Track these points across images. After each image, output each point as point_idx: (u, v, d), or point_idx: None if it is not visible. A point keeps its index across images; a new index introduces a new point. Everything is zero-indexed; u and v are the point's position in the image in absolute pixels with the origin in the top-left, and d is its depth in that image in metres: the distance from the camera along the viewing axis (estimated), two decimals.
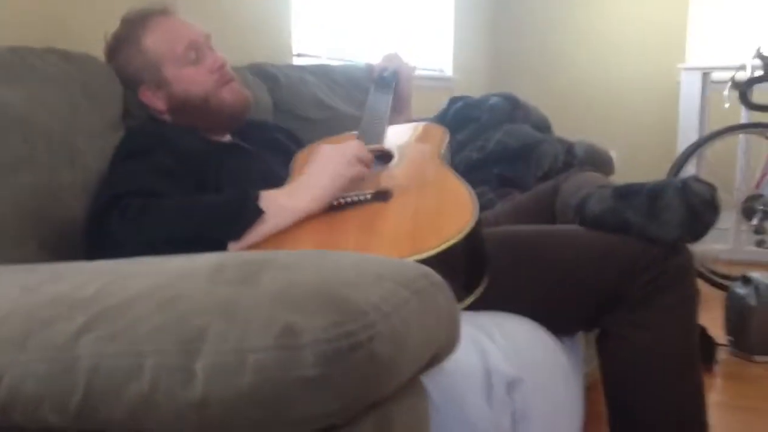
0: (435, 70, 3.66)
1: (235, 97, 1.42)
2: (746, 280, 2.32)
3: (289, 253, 0.74)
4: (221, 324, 0.59)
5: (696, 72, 3.55)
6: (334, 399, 0.58)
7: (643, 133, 3.96)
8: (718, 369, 2.25)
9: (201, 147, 1.31)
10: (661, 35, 3.94)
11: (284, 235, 1.07)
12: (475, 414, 0.86)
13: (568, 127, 2.45)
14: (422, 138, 1.48)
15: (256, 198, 1.07)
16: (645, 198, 1.20)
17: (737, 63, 3.10)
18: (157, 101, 1.38)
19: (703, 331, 2.23)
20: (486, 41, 4.20)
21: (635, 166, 2.96)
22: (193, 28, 1.41)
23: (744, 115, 3.25)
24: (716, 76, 3.48)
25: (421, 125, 1.59)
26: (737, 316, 2.32)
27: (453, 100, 2.23)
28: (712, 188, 1.21)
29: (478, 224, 1.07)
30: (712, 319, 2.38)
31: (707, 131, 3.27)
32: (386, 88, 1.65)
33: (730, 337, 2.35)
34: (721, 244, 3.30)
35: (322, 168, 1.15)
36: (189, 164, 1.24)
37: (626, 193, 1.23)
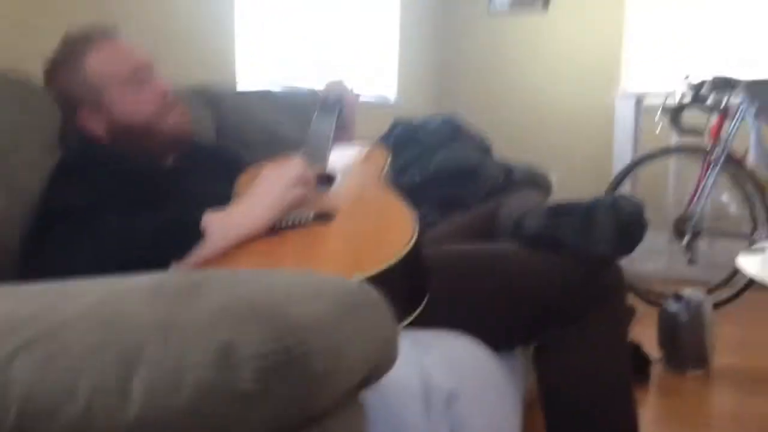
0: (378, 95, 3.70)
1: (177, 123, 1.40)
2: (677, 298, 2.40)
3: (226, 272, 0.75)
4: (159, 342, 0.60)
5: (630, 98, 3.68)
6: (272, 414, 0.59)
7: (580, 156, 4.08)
8: (652, 384, 2.32)
9: (141, 170, 1.30)
10: (597, 62, 4.08)
11: (225, 255, 1.07)
12: (413, 428, 0.87)
13: (507, 150, 2.51)
14: (364, 160, 1.50)
15: (199, 219, 1.08)
16: (577, 216, 1.24)
17: (668, 90, 3.23)
18: (95, 125, 1.36)
19: (637, 348, 2.30)
20: (429, 66, 4.27)
21: (573, 187, 3.03)
22: (137, 52, 1.40)
23: (675, 139, 3.38)
24: (649, 101, 3.62)
25: (364, 148, 1.61)
26: (669, 332, 2.40)
27: (395, 124, 2.27)
28: (639, 205, 1.26)
29: (419, 244, 1.09)
30: (647, 336, 2.46)
31: (640, 154, 3.38)
32: (330, 113, 1.67)
33: (662, 353, 2.43)
34: (655, 263, 3.41)
35: (265, 189, 1.16)
36: (128, 187, 1.22)
37: (560, 211, 1.27)
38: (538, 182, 2.42)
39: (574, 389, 1.24)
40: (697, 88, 3.07)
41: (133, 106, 1.36)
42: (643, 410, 2.09)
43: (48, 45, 1.41)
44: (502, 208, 1.54)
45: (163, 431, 0.58)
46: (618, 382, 1.26)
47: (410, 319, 1.07)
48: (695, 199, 3.18)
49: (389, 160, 1.49)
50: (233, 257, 1.07)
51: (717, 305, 2.89)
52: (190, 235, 1.05)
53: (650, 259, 3.30)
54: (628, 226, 1.23)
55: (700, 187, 3.17)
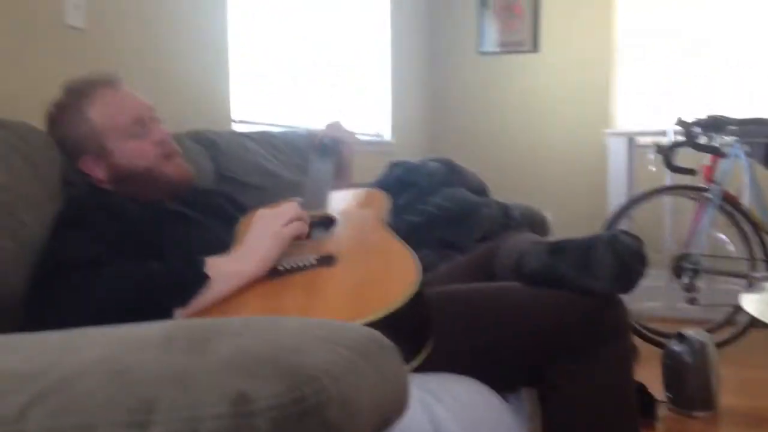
0: (374, 135, 3.73)
1: (177, 171, 1.43)
2: (681, 338, 2.39)
3: (238, 320, 0.74)
4: (173, 393, 0.59)
5: (622, 137, 3.72)
6: None
7: (575, 196, 4.10)
8: (659, 425, 2.29)
9: (143, 215, 1.30)
10: (589, 102, 4.13)
11: (230, 300, 1.07)
12: None
13: (501, 191, 2.52)
14: (365, 203, 1.50)
15: (202, 264, 1.07)
16: (578, 252, 1.24)
17: (660, 129, 3.27)
18: (98, 171, 1.37)
19: (643, 388, 2.28)
20: (422, 106, 4.32)
21: (568, 227, 3.04)
22: (138, 101, 1.42)
23: (669, 178, 3.41)
24: (641, 140, 3.65)
25: (363, 191, 1.62)
26: (674, 373, 2.38)
27: (392, 166, 2.28)
28: (639, 241, 1.27)
29: (422, 287, 1.09)
30: (650, 376, 2.44)
31: (635, 193, 3.40)
32: (328, 156, 1.68)
33: (668, 394, 2.41)
34: (655, 301, 3.40)
35: (261, 231, 1.17)
36: (131, 232, 1.23)
37: (560, 248, 1.27)
38: (535, 222, 2.43)
39: (579, 427, 1.23)
40: (690, 127, 3.10)
41: (134, 153, 1.37)
42: None
43: (48, 90, 1.42)
44: (501, 248, 1.54)
45: None
46: (625, 422, 1.25)
47: (417, 362, 1.06)
48: (692, 238, 3.18)
49: (389, 203, 1.49)
50: (238, 301, 1.07)
51: (719, 345, 2.88)
52: (194, 282, 1.05)
53: (649, 298, 3.30)
54: (628, 261, 1.23)
55: (697, 226, 3.18)
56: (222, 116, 2.48)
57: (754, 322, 3.06)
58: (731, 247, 3.24)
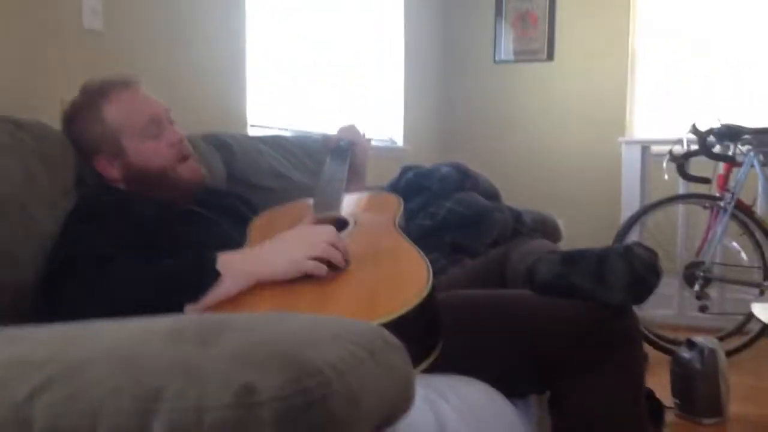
0: (386, 141, 3.74)
1: (191, 174, 1.44)
2: (691, 345, 2.38)
3: (246, 315, 0.75)
4: (179, 383, 0.60)
5: (636, 145, 3.71)
6: None
7: (589, 203, 4.09)
8: None
9: (155, 213, 1.31)
10: (603, 110, 4.12)
11: (241, 298, 1.07)
12: None
13: (515, 197, 2.52)
14: (377, 206, 1.51)
15: (214, 260, 1.08)
16: (591, 263, 1.24)
17: (674, 137, 3.26)
18: (113, 170, 1.39)
19: (651, 395, 2.27)
20: (435, 113, 4.32)
21: (581, 234, 3.04)
22: (154, 103, 1.43)
23: (682, 186, 3.39)
24: (655, 149, 3.64)
25: (376, 194, 1.62)
26: (683, 380, 2.37)
27: (404, 170, 2.29)
28: (653, 253, 1.26)
29: (434, 291, 1.09)
30: (659, 382, 2.42)
31: (648, 201, 3.39)
32: (342, 158, 1.69)
33: (676, 401, 2.39)
34: (666, 309, 3.38)
35: (286, 248, 1.12)
36: (143, 229, 1.24)
37: (573, 258, 1.27)
38: (547, 228, 2.43)
39: None
40: (704, 136, 3.09)
41: (149, 154, 1.39)
42: None
43: (65, 93, 1.44)
44: (513, 254, 1.54)
45: None
46: (634, 429, 1.24)
47: (425, 365, 1.07)
48: (705, 246, 3.17)
49: (402, 207, 1.49)
50: (248, 299, 1.07)
51: (729, 353, 2.86)
52: (205, 277, 1.05)
53: (660, 305, 3.28)
54: (641, 273, 1.22)
55: (710, 234, 3.16)
56: (238, 120, 2.50)
57: (765, 331, 3.04)
58: (744, 256, 3.21)
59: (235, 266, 1.09)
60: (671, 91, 4.04)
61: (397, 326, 0.96)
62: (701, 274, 3.07)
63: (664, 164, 3.16)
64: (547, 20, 4.19)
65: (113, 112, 1.38)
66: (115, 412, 0.59)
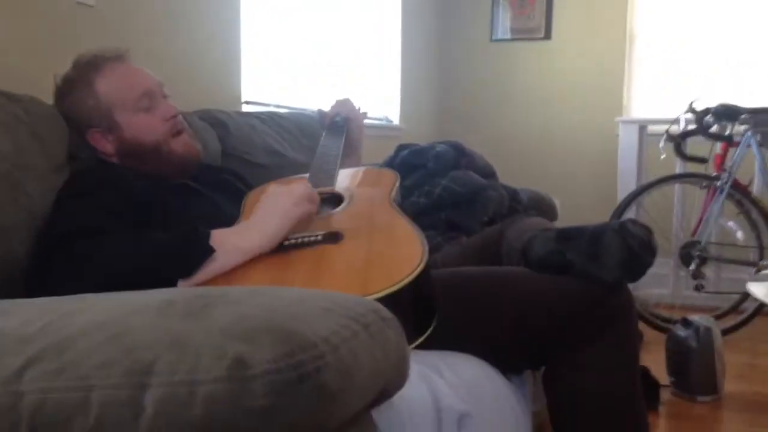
0: (382, 119, 3.72)
1: (184, 148, 1.43)
2: (686, 323, 2.39)
3: (238, 289, 0.74)
4: (171, 356, 0.59)
5: (633, 125, 3.69)
6: (283, 430, 0.58)
7: (585, 183, 4.09)
8: (662, 409, 2.29)
9: (149, 188, 1.30)
10: (600, 89, 4.10)
11: (234, 273, 1.07)
12: None
13: (510, 176, 2.51)
14: (373, 182, 1.50)
15: (207, 236, 1.07)
16: (586, 240, 1.23)
17: (671, 117, 3.25)
18: (106, 144, 1.38)
19: (646, 373, 2.28)
20: (432, 91, 4.30)
21: (577, 213, 3.04)
22: (147, 76, 1.42)
23: (679, 166, 3.39)
24: (652, 128, 3.63)
25: (372, 169, 1.61)
26: (678, 358, 2.38)
27: (400, 148, 2.28)
28: (648, 230, 1.26)
29: (428, 267, 1.08)
30: (654, 360, 2.44)
31: (645, 181, 3.39)
32: (338, 133, 1.68)
33: (672, 379, 2.41)
34: (661, 288, 3.40)
35: (271, 207, 1.16)
36: (136, 204, 1.23)
37: (568, 235, 1.26)
38: (542, 206, 2.43)
39: (584, 412, 1.22)
40: (701, 115, 3.08)
41: (143, 127, 1.37)
42: None
43: (57, 67, 1.42)
44: (508, 231, 1.54)
45: None
46: (629, 406, 1.24)
47: (419, 341, 1.06)
48: (701, 225, 3.17)
49: (398, 182, 1.48)
50: (242, 274, 1.07)
51: (725, 332, 2.88)
52: (198, 252, 1.05)
53: (656, 285, 3.29)
54: (636, 251, 1.22)
55: (706, 213, 3.16)
56: (232, 97, 2.48)
57: (760, 310, 3.06)
58: (740, 235, 3.22)
59: (229, 242, 1.09)
60: (669, 70, 4.02)
61: (391, 302, 0.95)
62: (697, 253, 3.08)
63: (661, 144, 3.16)
64: None
65: (106, 86, 1.37)
66: (106, 386, 0.58)
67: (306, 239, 1.16)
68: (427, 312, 1.10)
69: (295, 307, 0.68)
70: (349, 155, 1.72)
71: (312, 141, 2.11)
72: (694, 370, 2.34)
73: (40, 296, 0.86)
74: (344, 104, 1.77)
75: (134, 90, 1.37)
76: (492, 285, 1.28)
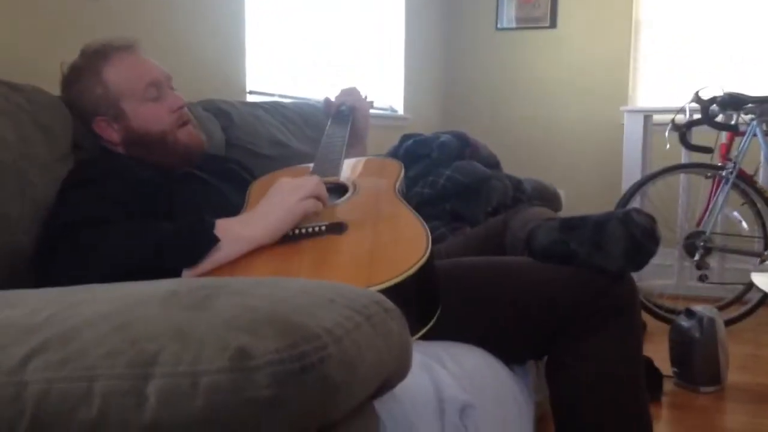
0: (387, 109, 3.71)
1: (190, 139, 1.43)
2: (690, 313, 2.38)
3: (242, 280, 0.74)
4: (174, 347, 0.59)
5: (638, 114, 3.68)
6: (286, 420, 0.58)
7: (590, 172, 4.08)
8: (665, 400, 2.29)
9: (154, 177, 1.31)
10: (606, 79, 4.08)
11: (238, 263, 1.07)
12: None
13: (515, 166, 2.51)
14: (378, 172, 1.50)
15: (212, 226, 1.08)
16: (590, 229, 1.23)
17: (677, 106, 3.23)
18: (112, 133, 1.38)
19: (650, 363, 2.28)
20: (436, 81, 4.29)
21: (582, 203, 3.04)
22: (155, 67, 1.42)
23: (684, 156, 3.38)
24: (657, 118, 3.62)
25: (377, 159, 1.61)
26: (682, 349, 2.38)
27: (404, 138, 2.27)
28: (652, 219, 1.25)
29: (432, 258, 1.08)
30: (657, 351, 2.44)
31: (650, 170, 3.37)
32: (343, 122, 1.67)
33: (674, 369, 2.41)
34: (665, 279, 3.39)
35: (278, 200, 1.16)
36: (141, 194, 1.23)
37: (572, 225, 1.26)
38: (547, 196, 2.42)
39: (586, 403, 1.22)
40: (707, 105, 3.06)
41: (149, 117, 1.37)
42: (656, 425, 2.05)
43: (63, 58, 1.42)
44: (512, 222, 1.54)
45: None
46: (632, 396, 1.24)
47: (423, 332, 1.07)
48: (706, 216, 3.16)
49: (403, 172, 1.48)
50: (246, 264, 1.07)
51: (728, 323, 2.87)
52: (204, 242, 1.05)
53: (660, 275, 3.28)
54: (640, 240, 1.22)
55: (711, 204, 3.16)
56: (236, 87, 2.47)
57: (764, 301, 3.05)
58: (744, 226, 3.21)
59: (234, 231, 1.09)
60: (674, 59, 4.00)
61: (394, 292, 0.96)
62: (702, 243, 3.07)
63: (666, 133, 3.14)
64: None
65: (114, 75, 1.37)
66: (110, 376, 0.59)
67: (310, 230, 1.16)
68: (430, 303, 1.10)
69: (298, 299, 0.68)
70: (355, 145, 1.72)
71: (317, 131, 2.11)
72: (697, 360, 2.34)
73: (45, 286, 0.86)
74: (350, 93, 1.76)
75: (142, 80, 1.38)
76: (495, 275, 1.28)
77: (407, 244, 1.10)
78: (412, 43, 3.86)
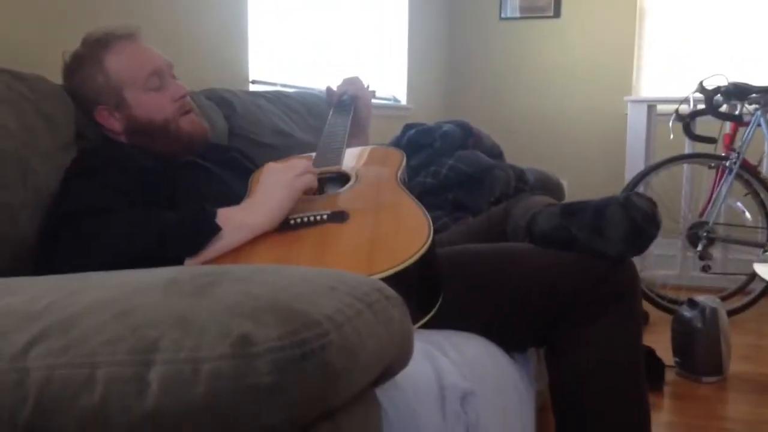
0: (389, 99, 3.71)
1: (192, 128, 1.43)
2: (692, 304, 2.39)
3: (243, 267, 0.74)
4: (175, 334, 0.59)
5: (642, 104, 3.67)
6: (287, 407, 0.59)
7: (593, 162, 4.07)
8: (667, 390, 2.30)
9: (156, 166, 1.31)
10: (609, 68, 4.07)
11: (240, 251, 1.07)
12: (429, 427, 0.87)
13: (518, 156, 2.50)
14: (380, 161, 1.49)
15: (213, 214, 1.08)
16: (590, 214, 1.23)
17: (681, 96, 3.22)
18: (114, 122, 1.38)
19: (651, 353, 2.28)
20: (439, 71, 4.28)
21: (585, 194, 3.02)
22: (157, 56, 1.42)
23: (688, 146, 3.37)
24: (661, 108, 3.60)
25: (379, 148, 1.61)
26: (684, 339, 2.38)
27: (407, 127, 2.27)
28: (652, 203, 1.25)
29: (433, 246, 1.08)
30: (660, 341, 2.44)
31: (653, 161, 3.37)
32: (345, 112, 1.67)
33: (677, 359, 2.41)
34: (668, 269, 3.39)
35: (273, 182, 1.17)
36: (144, 183, 1.23)
37: (573, 210, 1.26)
38: (549, 186, 2.42)
39: (586, 390, 1.23)
40: (711, 94, 3.05)
41: (152, 106, 1.37)
42: (657, 415, 2.07)
43: (64, 47, 1.42)
44: (513, 210, 1.54)
45: (180, 422, 0.57)
46: (632, 383, 1.24)
47: (424, 320, 1.07)
48: (709, 206, 3.16)
49: (405, 161, 1.48)
50: (248, 252, 1.07)
51: (731, 313, 2.87)
52: (206, 230, 1.05)
53: (663, 265, 3.28)
54: (641, 223, 1.21)
55: (714, 194, 3.15)
56: (239, 77, 2.47)
57: (766, 291, 3.05)
58: (748, 216, 3.20)
59: (236, 219, 1.09)
60: (678, 49, 3.98)
61: (396, 280, 0.96)
62: (705, 234, 3.07)
63: (670, 123, 3.14)
64: None
65: (116, 63, 1.37)
66: (111, 363, 0.59)
67: (312, 218, 1.16)
68: (431, 292, 1.10)
69: (299, 286, 0.68)
70: (357, 134, 1.71)
71: (319, 121, 2.11)
72: (700, 350, 2.35)
73: (48, 274, 0.86)
74: (353, 82, 1.76)
75: (144, 69, 1.38)
76: (496, 261, 1.28)
77: (409, 232, 1.10)
78: (415, 33, 3.84)
